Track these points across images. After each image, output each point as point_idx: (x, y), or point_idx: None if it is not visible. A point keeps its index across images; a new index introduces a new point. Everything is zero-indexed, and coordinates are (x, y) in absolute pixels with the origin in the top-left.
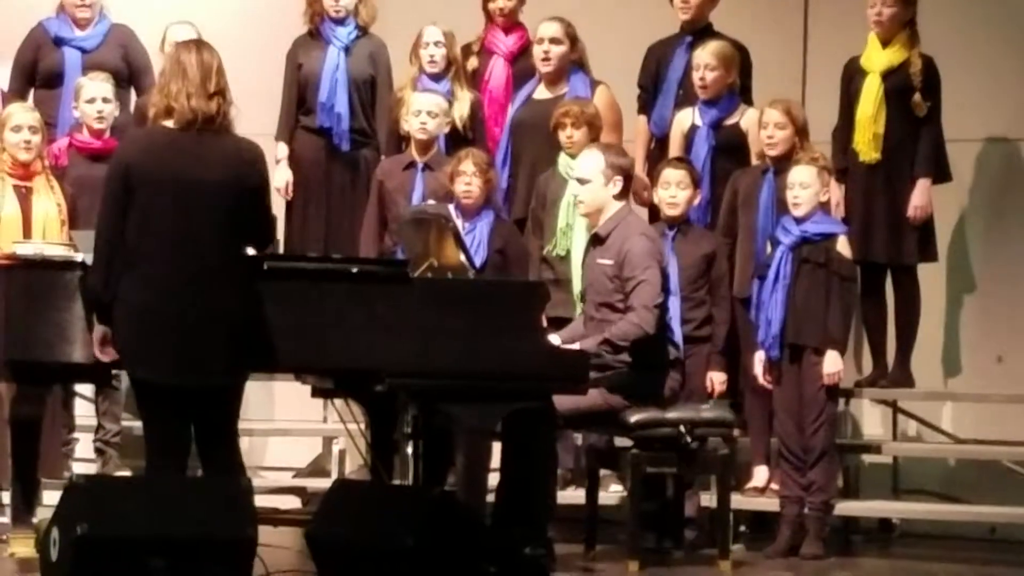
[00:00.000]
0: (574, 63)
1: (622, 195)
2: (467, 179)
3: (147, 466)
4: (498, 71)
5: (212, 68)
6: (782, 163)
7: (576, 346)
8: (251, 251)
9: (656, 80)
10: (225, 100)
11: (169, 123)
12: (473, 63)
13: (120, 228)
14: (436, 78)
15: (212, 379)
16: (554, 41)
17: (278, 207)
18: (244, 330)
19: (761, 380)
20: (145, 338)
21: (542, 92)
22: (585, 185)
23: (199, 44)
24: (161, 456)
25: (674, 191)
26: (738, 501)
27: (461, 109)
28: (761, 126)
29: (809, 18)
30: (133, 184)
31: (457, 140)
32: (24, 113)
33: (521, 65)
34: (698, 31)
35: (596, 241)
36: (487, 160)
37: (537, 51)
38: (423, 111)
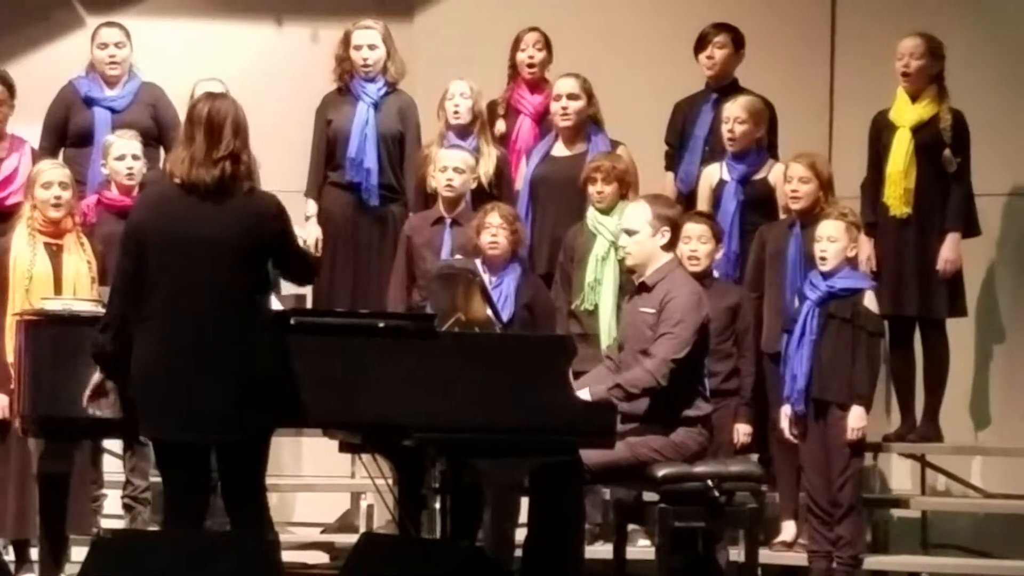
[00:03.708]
0: (590, 118)
1: (670, 246)
2: (493, 231)
3: (163, 520)
4: (526, 130)
5: (224, 127)
6: (808, 217)
7: (586, 392)
8: (277, 305)
9: (682, 136)
10: (236, 162)
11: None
12: (501, 126)
13: (131, 286)
14: (462, 134)
15: (221, 435)
16: (572, 97)
17: None
18: (259, 385)
19: (787, 434)
20: (153, 396)
21: (561, 149)
22: (632, 236)
23: (215, 97)
24: (176, 512)
25: (695, 245)
26: (766, 556)
27: (487, 165)
28: (786, 180)
29: (835, 72)
30: (142, 242)
31: (483, 197)
32: (54, 170)
33: (548, 123)
34: (724, 87)
35: (642, 289)
36: (514, 214)
37: (555, 107)
38: (449, 167)
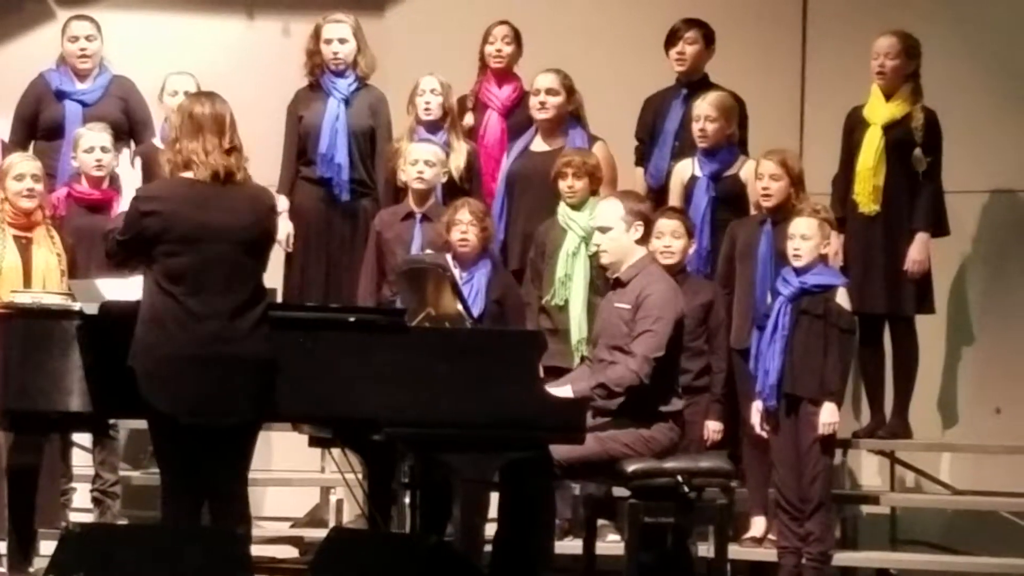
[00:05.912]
0: (571, 114)
1: (643, 240)
2: (463, 228)
3: (163, 510)
4: (493, 125)
5: (226, 123)
6: (778, 214)
7: (568, 389)
8: None
9: (653, 132)
10: (240, 154)
11: (188, 174)
12: (469, 119)
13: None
14: (433, 128)
15: (243, 418)
16: (550, 92)
17: (277, 257)
18: (267, 372)
19: (758, 430)
20: (183, 384)
21: (539, 144)
22: (607, 233)
23: (211, 97)
24: (178, 501)
25: (668, 240)
26: (736, 551)
27: (457, 160)
28: (756, 177)
29: (806, 68)
30: (156, 233)
31: (454, 191)
32: (27, 162)
33: (516, 119)
34: (694, 83)
35: (617, 284)
36: (484, 210)
37: (533, 102)
38: (420, 160)
